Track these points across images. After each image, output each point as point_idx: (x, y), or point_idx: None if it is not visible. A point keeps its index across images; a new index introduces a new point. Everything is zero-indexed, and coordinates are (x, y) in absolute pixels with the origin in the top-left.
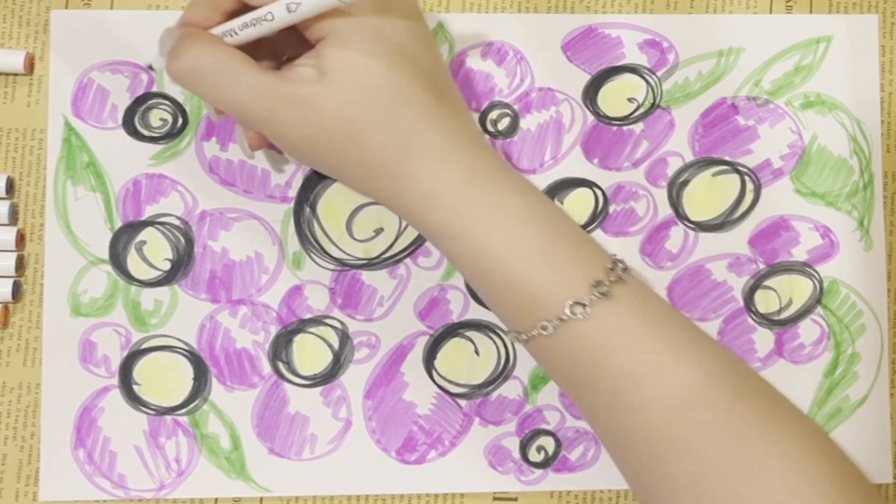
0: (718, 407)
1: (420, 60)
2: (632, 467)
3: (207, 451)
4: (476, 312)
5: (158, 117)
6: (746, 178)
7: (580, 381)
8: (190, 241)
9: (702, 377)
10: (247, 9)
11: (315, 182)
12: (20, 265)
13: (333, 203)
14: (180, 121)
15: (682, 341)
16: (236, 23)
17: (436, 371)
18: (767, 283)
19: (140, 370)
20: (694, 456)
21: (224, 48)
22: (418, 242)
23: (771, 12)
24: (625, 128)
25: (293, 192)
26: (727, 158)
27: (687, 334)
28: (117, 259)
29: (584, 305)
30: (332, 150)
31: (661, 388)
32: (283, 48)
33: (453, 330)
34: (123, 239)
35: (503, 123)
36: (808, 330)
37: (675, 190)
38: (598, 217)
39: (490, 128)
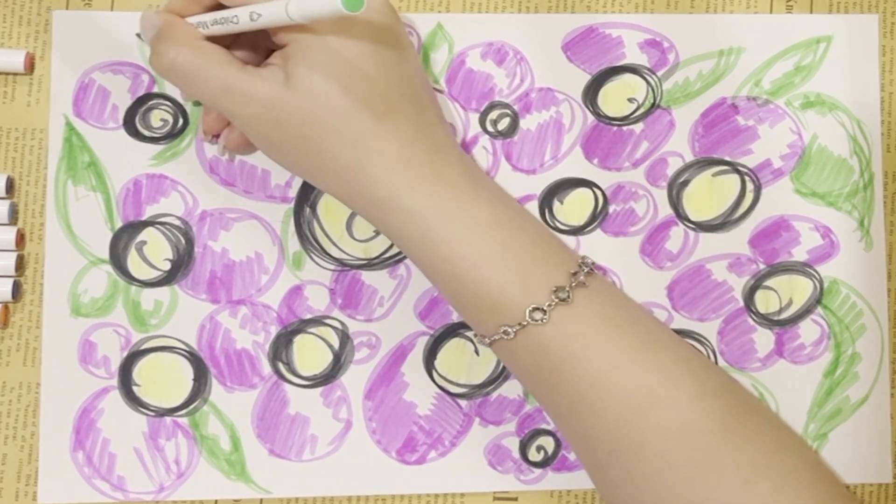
0: (678, 408)
1: (377, 74)
2: (595, 467)
3: (207, 453)
4: None
5: (159, 118)
6: (746, 178)
7: (543, 384)
8: (190, 242)
9: (662, 379)
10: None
11: None
12: (20, 265)
13: (333, 203)
14: (181, 121)
15: (643, 343)
16: (209, 17)
17: (436, 371)
18: (768, 283)
19: (140, 371)
20: (653, 457)
21: (200, 46)
22: None
23: (771, 12)
24: (625, 128)
25: (293, 193)
26: (727, 158)
27: (650, 336)
28: (117, 259)
29: (543, 311)
30: (291, 151)
31: (621, 391)
32: (262, 40)
33: (453, 330)
34: (124, 239)
35: (503, 123)
36: (808, 330)
37: (675, 190)
38: (598, 217)
39: (490, 128)
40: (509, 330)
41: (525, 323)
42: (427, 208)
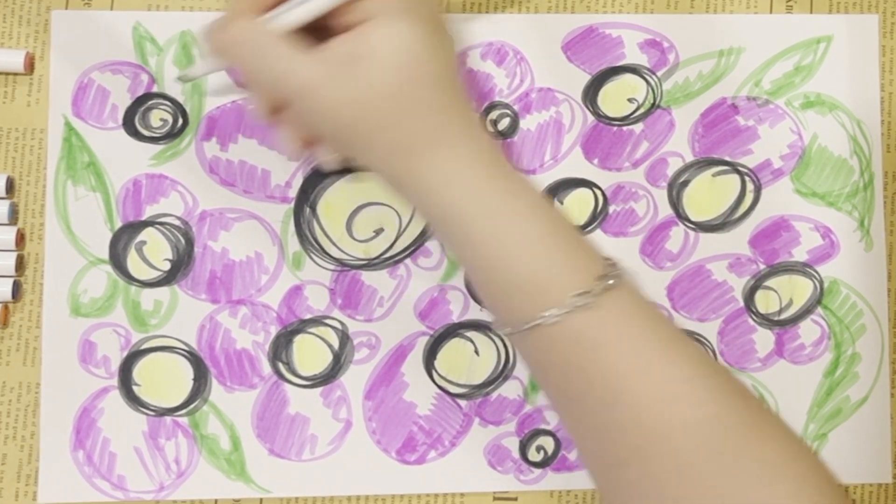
0: (706, 403)
1: (451, 50)
2: (612, 465)
3: (207, 452)
4: (476, 312)
5: (159, 117)
6: (747, 178)
7: (570, 374)
8: (190, 242)
9: (691, 375)
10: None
11: (315, 182)
12: (20, 265)
13: (333, 203)
14: (180, 121)
15: (673, 340)
16: (278, 10)
17: (436, 371)
18: (768, 283)
19: (140, 371)
20: (678, 452)
21: (267, 26)
22: (418, 243)
23: (771, 12)
24: (625, 128)
25: (293, 193)
26: (727, 159)
27: (677, 333)
28: (117, 259)
29: (591, 295)
30: (360, 130)
31: (653, 384)
32: (323, 34)
33: (453, 330)
34: (123, 239)
35: (503, 123)
36: (808, 330)
37: (676, 190)
38: (598, 217)
39: (490, 128)
40: (549, 315)
41: (569, 307)
42: (488, 187)
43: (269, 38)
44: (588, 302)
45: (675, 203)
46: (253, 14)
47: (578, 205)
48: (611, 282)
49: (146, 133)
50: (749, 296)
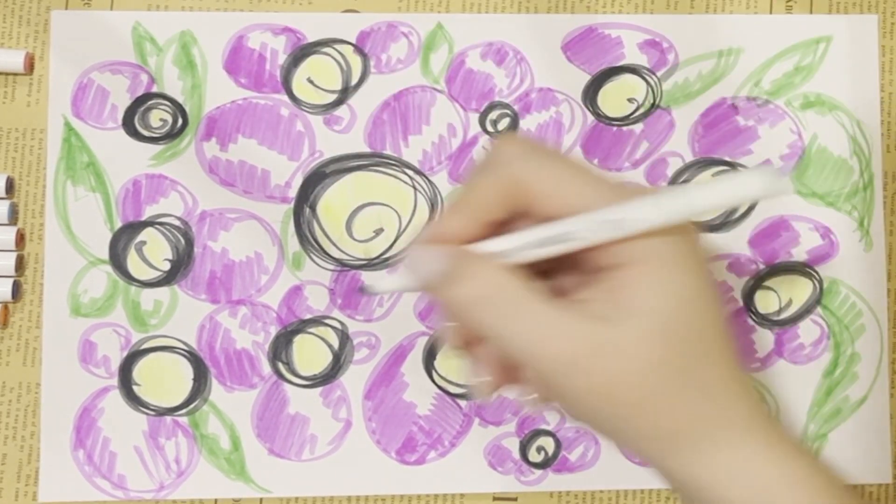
0: None
1: (722, 309)
2: None
3: (207, 452)
4: None
5: (158, 117)
6: None
7: None
8: (190, 242)
9: None
10: (506, 224)
11: (315, 182)
12: (20, 265)
13: (333, 203)
14: (180, 121)
15: None
16: (513, 243)
17: (436, 371)
18: (767, 283)
19: (140, 371)
20: None
21: (513, 273)
22: None
23: (771, 12)
24: (625, 128)
25: (293, 193)
26: (727, 159)
27: None
28: (117, 259)
29: None
30: (619, 412)
31: None
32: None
33: None
34: (123, 239)
35: (503, 124)
36: (807, 330)
37: None
38: None
39: (490, 128)
40: None
41: None
42: (773, 478)
43: (522, 295)
44: None
45: None
46: (460, 241)
47: None
48: None
49: (146, 133)
50: (748, 296)
